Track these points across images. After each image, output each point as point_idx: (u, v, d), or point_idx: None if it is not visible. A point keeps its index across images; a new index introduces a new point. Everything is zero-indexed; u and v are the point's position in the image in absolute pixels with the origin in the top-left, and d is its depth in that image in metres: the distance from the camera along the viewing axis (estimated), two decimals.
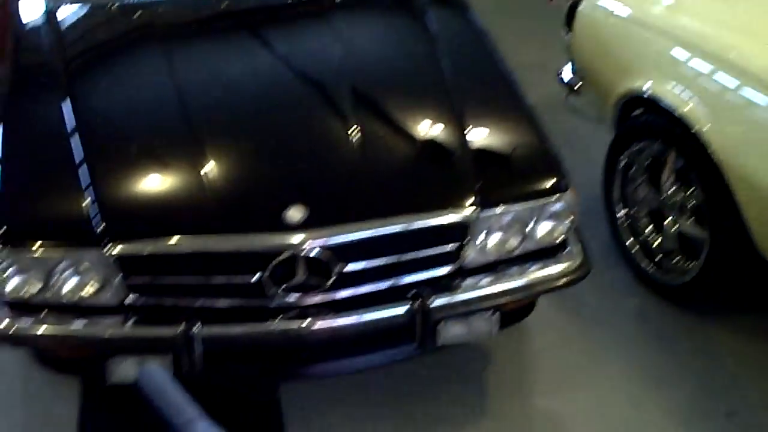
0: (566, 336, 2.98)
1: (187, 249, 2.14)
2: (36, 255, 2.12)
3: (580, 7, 3.39)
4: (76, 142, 2.32)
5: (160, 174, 2.32)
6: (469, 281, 2.30)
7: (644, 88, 2.95)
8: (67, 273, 2.15)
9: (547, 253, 2.37)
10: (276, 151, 2.37)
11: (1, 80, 2.67)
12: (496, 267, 2.33)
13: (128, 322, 2.18)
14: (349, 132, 2.37)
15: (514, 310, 2.52)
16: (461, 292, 2.28)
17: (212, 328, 2.16)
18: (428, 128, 2.47)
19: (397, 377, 2.75)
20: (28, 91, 2.64)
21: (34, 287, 2.16)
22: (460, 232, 2.26)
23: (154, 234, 2.15)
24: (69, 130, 2.36)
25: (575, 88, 3.53)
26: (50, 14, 2.85)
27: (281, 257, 2.14)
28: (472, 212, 2.24)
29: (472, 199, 2.25)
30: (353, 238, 2.18)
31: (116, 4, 2.94)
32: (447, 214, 2.24)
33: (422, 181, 2.34)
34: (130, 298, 2.19)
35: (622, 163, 3.14)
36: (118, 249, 2.12)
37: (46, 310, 2.18)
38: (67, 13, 2.89)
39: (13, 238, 2.13)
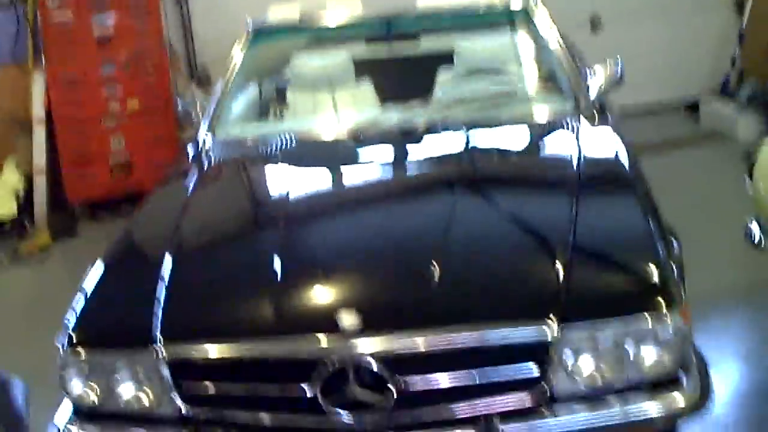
0: None
1: (233, 352, 2.03)
2: (95, 358, 2.11)
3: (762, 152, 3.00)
4: (164, 271, 2.28)
5: (226, 290, 2.22)
6: (553, 410, 1.96)
7: None
8: (125, 378, 2.11)
9: (655, 385, 2.00)
10: (337, 261, 2.24)
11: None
12: (589, 397, 1.99)
13: None
14: (427, 236, 2.22)
15: None
16: (541, 421, 1.95)
17: None
18: (520, 240, 2.24)
19: None
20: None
21: (96, 392, 2.12)
22: (541, 350, 1.95)
23: (204, 337, 2.06)
24: (162, 264, 2.32)
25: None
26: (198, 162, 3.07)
27: (332, 366, 1.96)
28: (553, 327, 1.93)
29: (553, 312, 1.94)
30: (411, 348, 1.95)
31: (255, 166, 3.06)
32: (521, 327, 1.95)
33: (498, 291, 2.09)
34: (186, 410, 2.08)
35: None
36: (168, 351, 2.06)
37: (108, 418, 2.13)
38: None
39: (76, 343, 2.13)
